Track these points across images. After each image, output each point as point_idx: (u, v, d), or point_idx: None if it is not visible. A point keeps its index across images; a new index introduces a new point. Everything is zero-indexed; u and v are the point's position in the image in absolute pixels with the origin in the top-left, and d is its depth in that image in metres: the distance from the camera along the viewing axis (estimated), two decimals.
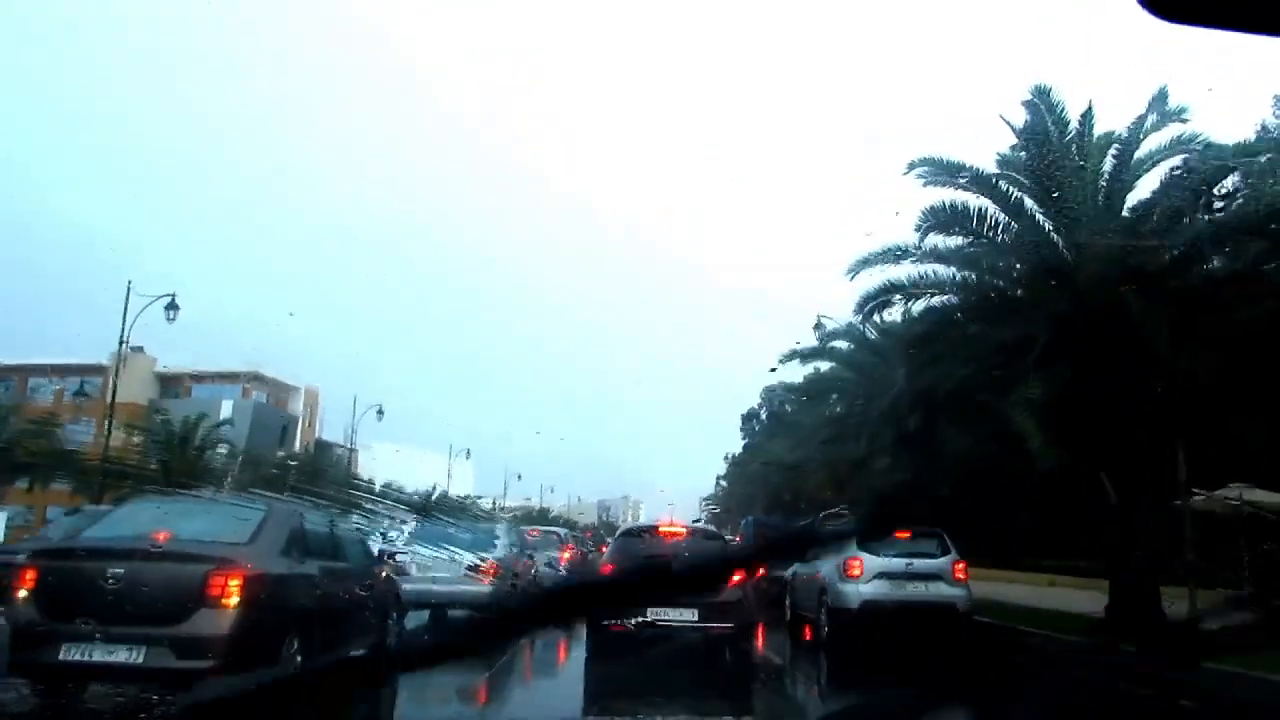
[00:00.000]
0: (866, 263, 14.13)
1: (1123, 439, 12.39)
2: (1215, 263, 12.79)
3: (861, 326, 20.80)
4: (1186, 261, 12.46)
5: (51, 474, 34.14)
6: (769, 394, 33.79)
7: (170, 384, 58.49)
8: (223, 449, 39.13)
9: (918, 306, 14.62)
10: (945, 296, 13.89)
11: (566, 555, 19.56)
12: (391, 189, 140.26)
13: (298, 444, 57.60)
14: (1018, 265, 13.56)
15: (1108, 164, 12.86)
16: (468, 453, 66.68)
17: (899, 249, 13.78)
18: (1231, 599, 12.26)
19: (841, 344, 24.09)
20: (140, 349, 47.50)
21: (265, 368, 58.39)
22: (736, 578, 10.35)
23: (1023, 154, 13.04)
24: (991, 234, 13.05)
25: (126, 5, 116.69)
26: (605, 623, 10.08)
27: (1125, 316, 11.41)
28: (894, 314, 16.25)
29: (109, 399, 29.52)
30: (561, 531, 22.84)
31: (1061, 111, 12.73)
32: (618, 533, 13.17)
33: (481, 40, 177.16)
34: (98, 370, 47.91)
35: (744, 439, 51.13)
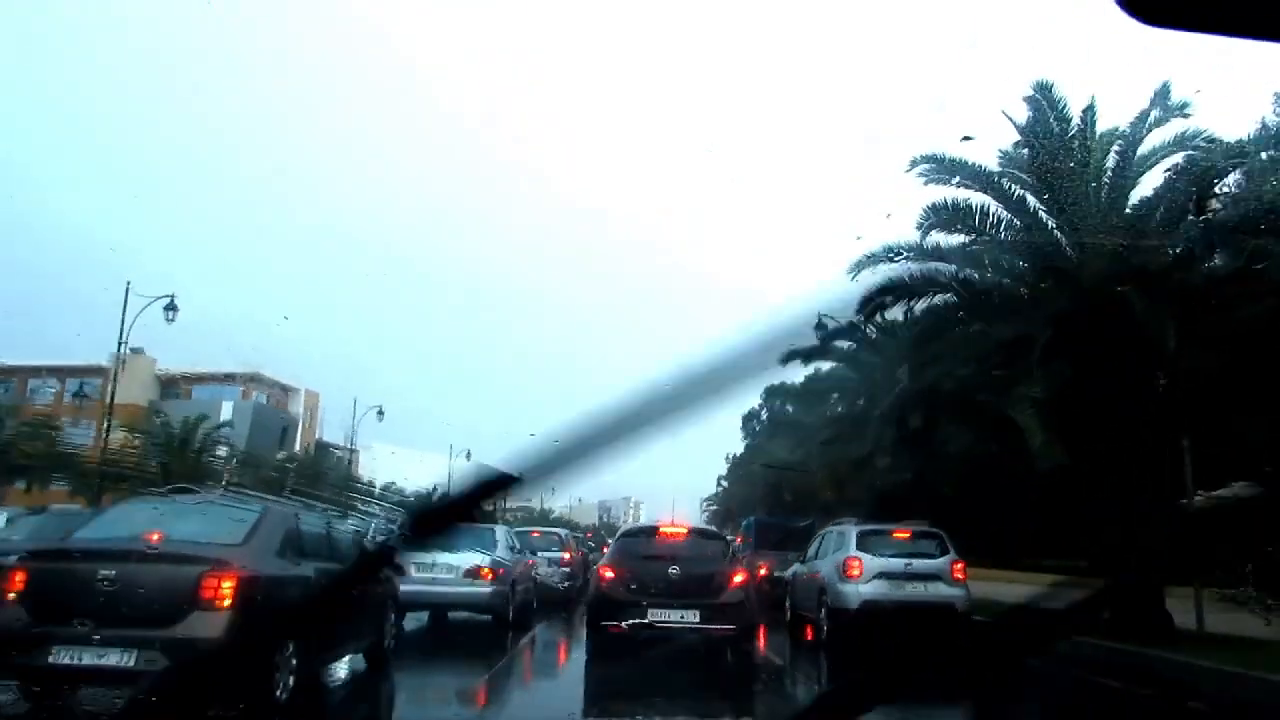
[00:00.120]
0: (868, 262, 14.12)
1: (1124, 438, 12.34)
2: (1216, 261, 12.73)
3: (863, 326, 20.76)
4: (1189, 259, 12.40)
5: (49, 475, 34.10)
6: (770, 395, 33.66)
7: (170, 385, 58.47)
8: (222, 450, 39.08)
9: (919, 305, 14.56)
10: (947, 295, 13.82)
11: (567, 556, 19.47)
12: (391, 189, 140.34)
13: (298, 445, 57.54)
14: (1020, 263, 13.51)
15: (1110, 161, 12.79)
16: (468, 454, 66.67)
17: (901, 248, 13.76)
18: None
19: (843, 344, 24.04)
20: (140, 350, 47.49)
21: (265, 369, 58.39)
22: (739, 578, 10.30)
23: (1025, 151, 12.98)
24: (994, 232, 12.99)
25: (126, 5, 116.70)
26: (605, 624, 10.03)
27: (1128, 315, 11.34)
28: (895, 313, 16.21)
29: (108, 400, 29.45)
30: (563, 533, 22.75)
31: (1063, 108, 12.66)
32: (618, 534, 13.10)
33: (481, 40, 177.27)
34: (97, 371, 47.86)
35: (745, 439, 51.06)
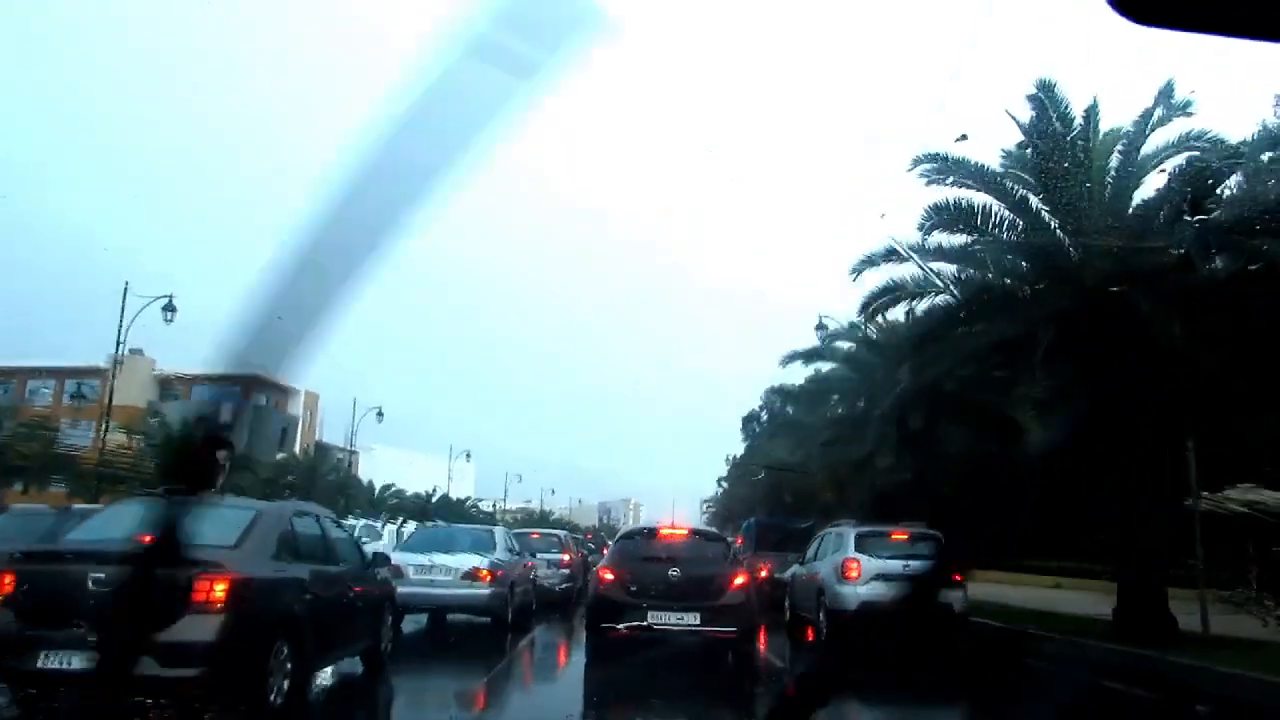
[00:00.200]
0: (870, 262, 14.10)
1: (1127, 438, 12.28)
2: (1218, 262, 12.69)
3: (864, 326, 20.72)
4: (1194, 259, 12.33)
5: (47, 477, 34.00)
6: (770, 396, 33.59)
7: (169, 386, 58.38)
8: (221, 452, 38.94)
9: (921, 306, 14.54)
10: (949, 295, 13.77)
11: (567, 558, 19.39)
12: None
13: (297, 447, 57.41)
14: (1022, 264, 13.44)
15: (1113, 160, 12.72)
16: (468, 455, 66.63)
17: (903, 248, 13.71)
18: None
19: (843, 344, 23.99)
20: (139, 351, 47.44)
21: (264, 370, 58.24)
22: (740, 580, 10.21)
23: (1028, 151, 12.90)
24: (996, 232, 12.91)
25: (126, 5, 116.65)
26: (605, 626, 9.93)
27: (1132, 314, 11.27)
28: (896, 313, 16.22)
29: (106, 401, 29.37)
30: (562, 534, 22.67)
31: (1066, 107, 12.56)
32: (617, 535, 13.01)
33: None
34: (96, 373, 47.79)
35: (745, 441, 50.94)
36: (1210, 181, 12.44)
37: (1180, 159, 12.55)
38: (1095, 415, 12.77)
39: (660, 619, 9.63)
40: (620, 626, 9.69)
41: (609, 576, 10.27)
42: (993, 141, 13.75)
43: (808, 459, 25.51)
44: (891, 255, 13.82)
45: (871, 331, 21.41)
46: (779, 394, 30.88)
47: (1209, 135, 12.35)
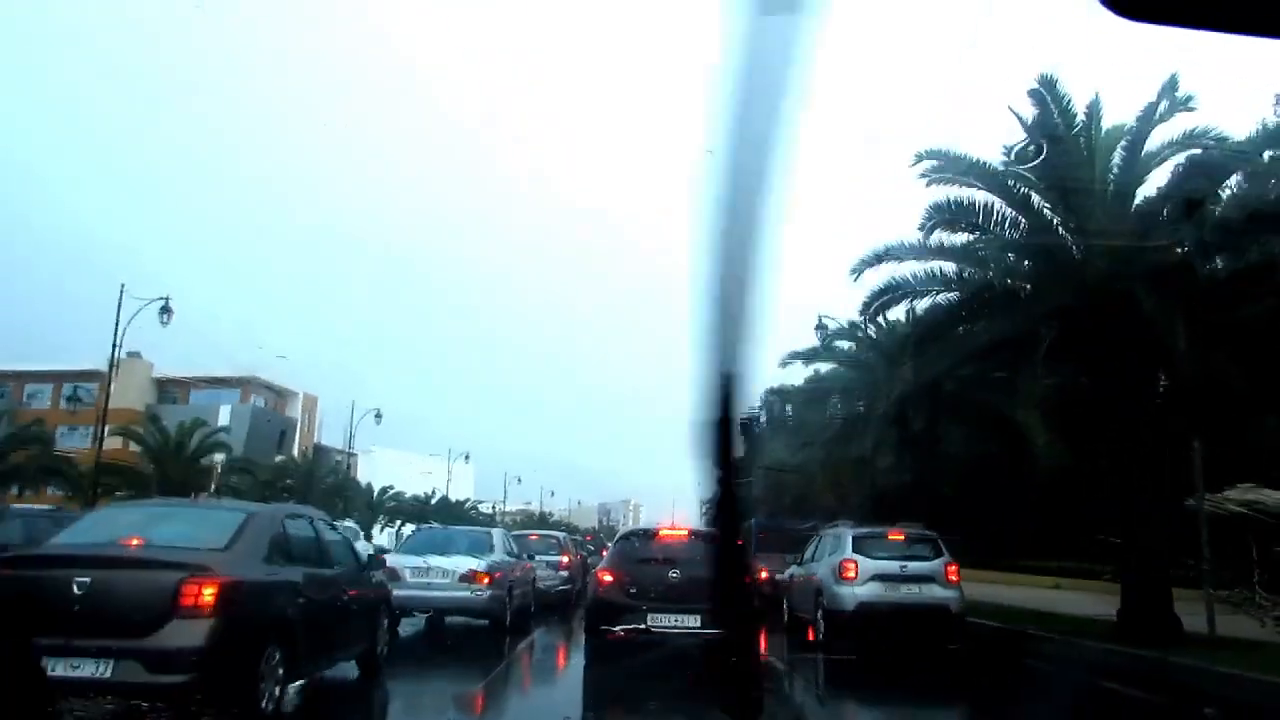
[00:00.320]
0: (870, 261, 14.00)
1: (1128, 438, 12.21)
2: (1219, 262, 12.62)
3: (865, 326, 20.64)
4: (1197, 257, 12.25)
5: (42, 480, 33.88)
6: (769, 397, 33.48)
7: (168, 389, 58.27)
8: (220, 455, 38.90)
9: (922, 305, 14.45)
10: (950, 294, 13.68)
11: (566, 559, 19.28)
12: (391, 190, 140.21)
13: (296, 449, 57.33)
14: (1025, 262, 13.35)
15: (1116, 157, 12.63)
16: (467, 456, 66.51)
17: (903, 247, 13.63)
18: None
19: (843, 344, 23.89)
20: (137, 354, 47.33)
21: (264, 372, 58.16)
22: None
23: (1030, 148, 12.80)
24: (998, 229, 12.83)
25: (124, 5, 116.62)
26: (604, 629, 9.82)
27: (1135, 313, 11.18)
28: (897, 313, 16.14)
29: (103, 404, 29.26)
30: (561, 536, 22.55)
31: (1068, 103, 12.46)
32: (617, 536, 12.90)
33: (481, 40, 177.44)
34: (95, 376, 47.64)
35: (743, 442, 50.76)
36: (1213, 179, 12.37)
37: (1182, 157, 12.48)
38: (1097, 414, 12.70)
39: (660, 621, 9.53)
40: (619, 629, 9.58)
41: (608, 578, 10.17)
42: (994, 138, 13.66)
43: (808, 460, 25.42)
44: (892, 254, 13.72)
45: (871, 331, 21.32)
46: (778, 395, 30.76)
47: (1213, 132, 12.25)
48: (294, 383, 61.91)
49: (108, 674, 5.27)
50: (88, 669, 5.25)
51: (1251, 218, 11.68)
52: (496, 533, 15.65)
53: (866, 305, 14.56)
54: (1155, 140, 12.54)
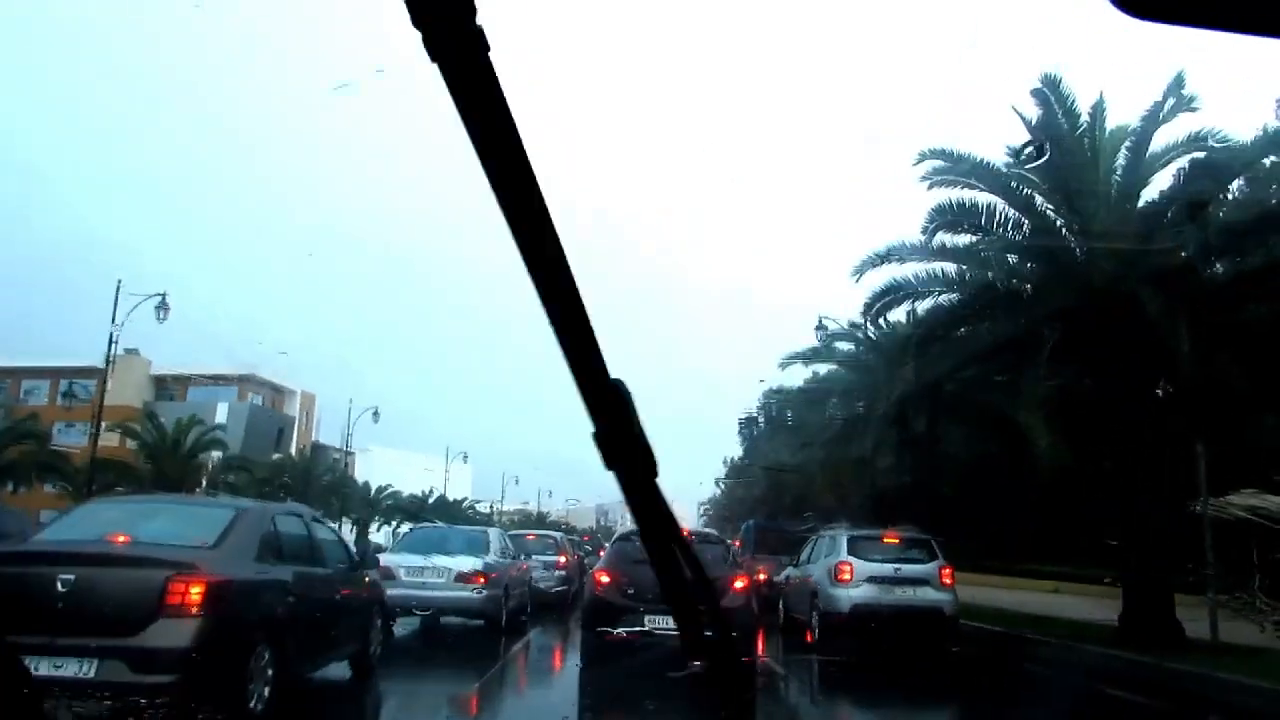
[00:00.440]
0: (872, 263, 13.96)
1: (1130, 440, 12.13)
2: (1222, 265, 12.55)
3: (866, 327, 20.57)
4: (1201, 259, 12.17)
5: (38, 476, 33.75)
6: (768, 398, 33.42)
7: (166, 387, 58.10)
8: (216, 453, 38.80)
9: (924, 305, 14.41)
10: (952, 295, 13.61)
11: (562, 560, 19.16)
12: (391, 190, 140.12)
13: (293, 447, 57.17)
14: (1028, 263, 13.27)
15: (1121, 158, 12.55)
16: (465, 456, 66.39)
17: (905, 248, 13.58)
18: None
19: (843, 345, 23.81)
20: (135, 351, 47.16)
21: (262, 370, 58.02)
22: (740, 584, 9.99)
23: (1033, 148, 12.71)
24: (1000, 230, 12.74)
25: (124, 4, 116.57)
26: (600, 630, 9.69)
27: (1139, 315, 11.10)
28: (898, 314, 16.10)
29: (98, 401, 29.15)
30: (558, 536, 22.44)
31: (1072, 103, 12.38)
32: (614, 537, 12.79)
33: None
34: (93, 372, 47.48)
35: (743, 443, 50.73)
36: (1218, 181, 12.27)
37: (1185, 160, 12.39)
38: (1099, 416, 12.62)
39: (658, 623, 9.40)
40: (616, 630, 9.45)
41: (605, 579, 10.05)
42: (995, 139, 13.57)
43: (807, 461, 25.35)
44: (894, 255, 13.67)
45: (871, 332, 21.24)
46: (778, 396, 30.70)
47: (1218, 134, 12.15)
48: (292, 381, 61.76)
49: (91, 674, 5.15)
50: (71, 668, 5.12)
51: (1255, 220, 11.63)
52: (493, 532, 15.54)
53: (868, 305, 14.53)
54: (1159, 141, 12.50)
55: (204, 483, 33.73)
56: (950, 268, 13.44)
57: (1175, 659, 10.49)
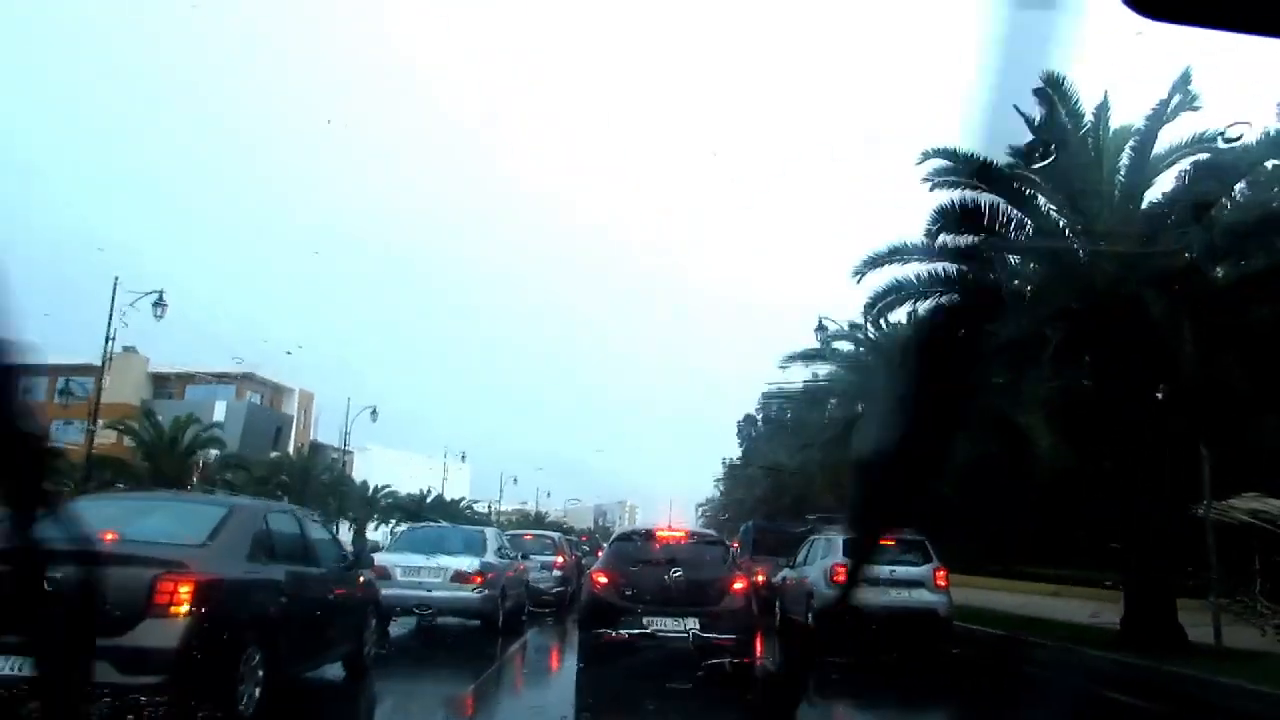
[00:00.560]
0: (874, 263, 13.87)
1: (1133, 441, 12.05)
2: (1224, 267, 12.48)
3: (866, 327, 20.53)
4: (1205, 261, 12.09)
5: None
6: (767, 398, 33.34)
7: (164, 385, 57.95)
8: (214, 451, 38.67)
9: (924, 306, 14.30)
10: (954, 296, 13.48)
11: (560, 560, 19.07)
12: (391, 190, 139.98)
13: (291, 446, 57.02)
14: (1031, 264, 13.20)
15: (1124, 159, 12.47)
16: (463, 456, 66.31)
17: (907, 249, 13.49)
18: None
19: (843, 346, 23.74)
20: (133, 349, 47.03)
21: (260, 369, 57.87)
22: (739, 585, 9.88)
23: (1037, 149, 12.63)
24: (1004, 231, 12.64)
25: (124, 4, 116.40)
26: (599, 631, 9.59)
27: (1143, 316, 11.02)
28: (899, 314, 16.02)
29: (95, 399, 29.04)
30: (556, 536, 22.34)
31: (1076, 103, 12.28)
32: (612, 537, 12.71)
33: (481, 40, 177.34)
34: (90, 370, 47.34)
35: (741, 444, 50.69)
36: (1223, 182, 12.21)
37: (1187, 163, 12.32)
38: (1100, 417, 12.55)
39: (657, 624, 9.30)
40: (614, 631, 9.35)
41: (603, 580, 9.95)
42: (998, 138, 13.46)
43: (807, 461, 25.26)
44: (895, 255, 13.59)
45: (871, 333, 21.19)
46: (777, 396, 30.60)
47: (1224, 134, 12.06)
48: (291, 379, 61.62)
49: None
50: None
51: (1258, 222, 11.58)
52: (490, 532, 15.44)
53: (869, 306, 14.46)
54: (1164, 142, 12.41)
55: (195, 479, 33.56)
56: (952, 268, 13.35)
57: (1176, 663, 10.40)
